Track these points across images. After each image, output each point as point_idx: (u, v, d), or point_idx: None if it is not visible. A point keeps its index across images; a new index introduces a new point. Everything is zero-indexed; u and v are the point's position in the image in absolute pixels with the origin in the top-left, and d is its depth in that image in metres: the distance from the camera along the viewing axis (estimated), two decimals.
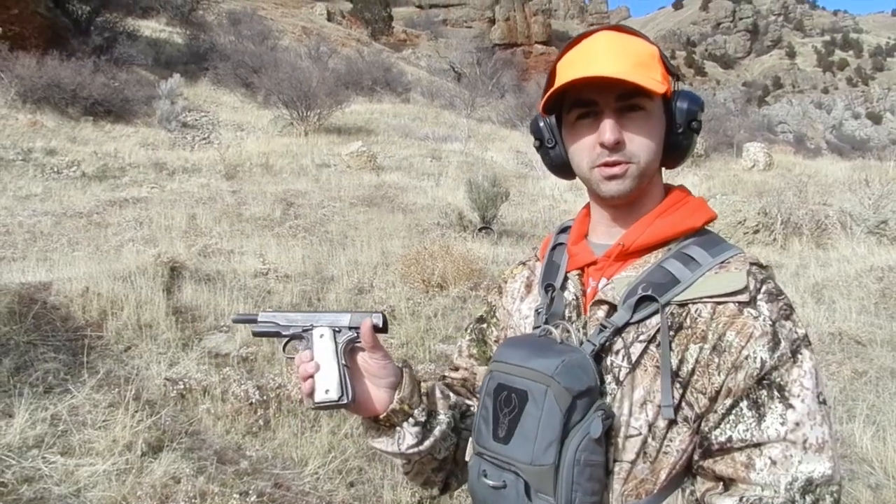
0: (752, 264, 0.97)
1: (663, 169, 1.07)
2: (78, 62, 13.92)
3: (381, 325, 1.03)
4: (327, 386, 0.99)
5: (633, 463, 0.93)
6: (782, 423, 0.87)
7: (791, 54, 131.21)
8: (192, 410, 3.46)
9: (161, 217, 7.88)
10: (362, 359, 1.05)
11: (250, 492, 2.74)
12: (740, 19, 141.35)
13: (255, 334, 1.11)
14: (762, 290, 0.94)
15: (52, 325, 4.08)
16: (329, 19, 36.67)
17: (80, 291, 4.42)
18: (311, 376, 1.01)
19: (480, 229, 8.52)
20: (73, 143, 11.87)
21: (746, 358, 0.89)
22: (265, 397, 3.50)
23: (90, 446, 3.01)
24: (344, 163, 12.72)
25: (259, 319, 1.10)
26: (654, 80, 0.97)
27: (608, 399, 0.94)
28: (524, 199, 11.51)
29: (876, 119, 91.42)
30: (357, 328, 1.03)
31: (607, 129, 0.97)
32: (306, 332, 1.05)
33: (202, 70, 18.99)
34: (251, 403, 3.45)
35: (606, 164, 0.99)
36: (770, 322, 0.90)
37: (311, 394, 1.00)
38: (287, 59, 20.65)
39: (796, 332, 0.91)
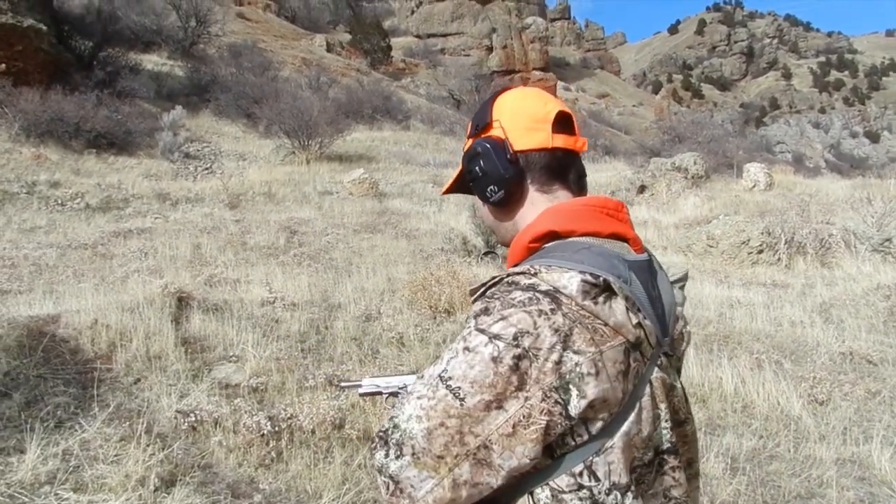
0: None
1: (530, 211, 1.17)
2: (81, 96, 14.05)
3: None
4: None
5: None
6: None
7: (787, 75, 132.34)
8: (203, 443, 3.43)
9: (165, 247, 7.90)
10: None
11: None
12: (735, 42, 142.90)
13: (362, 395, 1.48)
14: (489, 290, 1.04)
15: (62, 357, 4.06)
16: (329, 50, 37.07)
17: (89, 324, 4.41)
18: None
19: (485, 254, 8.52)
20: (76, 176, 11.93)
21: None
22: (277, 428, 3.46)
23: (103, 482, 2.98)
24: (346, 190, 12.78)
25: (363, 384, 1.46)
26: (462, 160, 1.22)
27: None
28: None
29: (874, 137, 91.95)
30: None
31: None
32: (403, 389, 1.38)
33: (204, 101, 19.15)
34: (263, 435, 3.42)
35: None
36: (467, 316, 1.02)
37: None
38: (288, 89, 20.82)
39: (469, 327, 0.97)
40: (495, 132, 1.15)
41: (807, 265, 8.60)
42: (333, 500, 3.02)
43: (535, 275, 0.98)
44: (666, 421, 1.03)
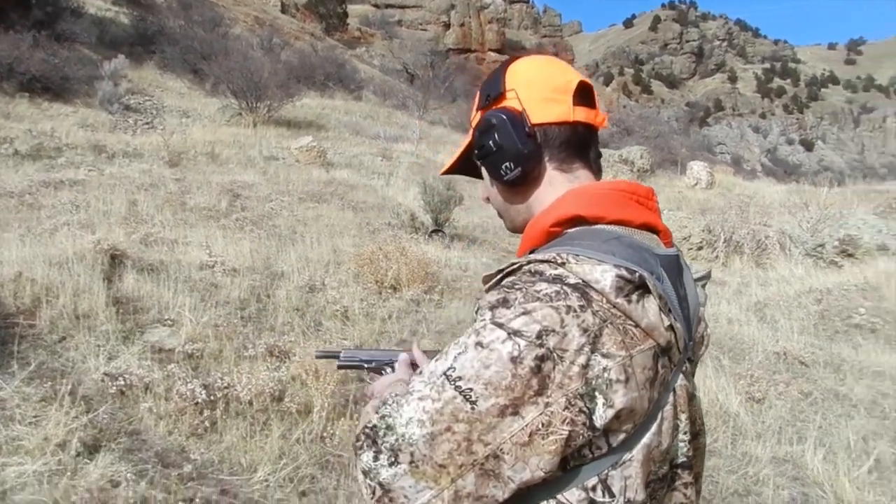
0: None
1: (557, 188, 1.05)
2: (16, 35, 13.22)
3: None
4: None
5: None
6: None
7: (733, 79, 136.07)
8: (132, 408, 3.26)
9: (99, 202, 7.51)
10: None
11: (196, 499, 2.58)
12: (687, 41, 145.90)
13: (339, 367, 1.36)
14: (506, 278, 0.94)
15: None
16: (283, 11, 36.01)
17: (12, 276, 4.13)
18: None
19: (432, 232, 8.45)
20: (6, 120, 11.24)
21: None
22: (212, 397, 3.32)
23: (18, 444, 2.79)
24: (293, 157, 12.46)
25: (341, 356, 1.34)
26: (469, 135, 1.11)
27: None
28: (475, 203, 11.49)
29: (808, 146, 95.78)
30: None
31: None
32: (388, 365, 1.26)
33: (149, 53, 18.32)
34: (197, 403, 3.27)
35: None
36: (478, 308, 0.91)
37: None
38: (238, 48, 20.13)
39: (484, 320, 0.87)
40: (510, 103, 1.03)
41: (743, 264, 8.86)
42: (269, 474, 2.91)
43: (562, 265, 0.87)
44: (684, 433, 0.95)
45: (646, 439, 0.88)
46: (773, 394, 4.33)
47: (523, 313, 0.83)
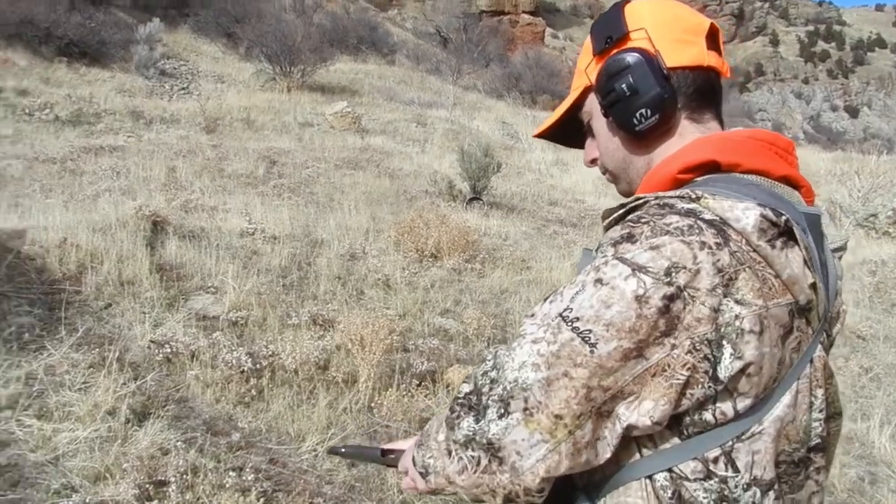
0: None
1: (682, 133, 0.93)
2: None
3: None
4: None
5: None
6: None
7: (775, 42, 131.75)
8: (178, 376, 3.25)
9: (139, 168, 7.54)
10: None
11: (245, 468, 2.56)
12: (727, 3, 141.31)
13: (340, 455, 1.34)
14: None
15: (27, 276, 3.81)
16: None
17: (57, 242, 4.14)
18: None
19: (471, 200, 8.33)
20: (46, 85, 11.33)
21: None
22: (258, 365, 3.30)
23: (69, 410, 2.79)
24: (328, 123, 12.38)
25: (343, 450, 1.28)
26: (576, 85, 0.99)
27: None
28: (511, 171, 11.33)
29: (853, 112, 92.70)
30: None
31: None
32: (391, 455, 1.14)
33: (183, 16, 18.28)
34: (243, 371, 3.25)
35: None
36: (597, 245, 0.84)
37: None
38: (271, 10, 19.96)
39: (606, 255, 0.78)
40: (639, 44, 0.90)
41: None
42: (317, 443, 2.88)
43: (697, 199, 0.78)
44: (820, 411, 0.85)
45: (778, 411, 0.79)
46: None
47: (651, 248, 0.74)
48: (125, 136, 9.54)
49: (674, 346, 0.73)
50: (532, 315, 0.81)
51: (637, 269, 0.74)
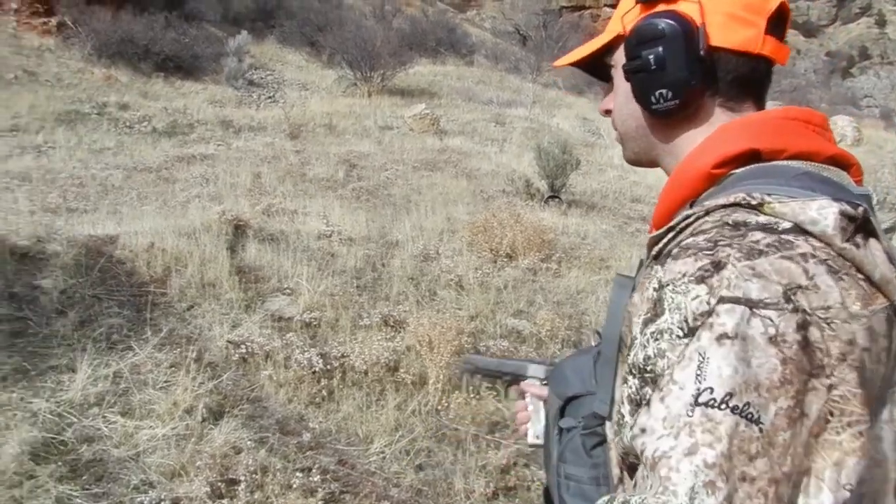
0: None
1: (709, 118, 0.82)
2: (150, 17, 14.01)
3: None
4: (537, 433, 1.08)
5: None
6: (632, 427, 0.64)
7: (881, 22, 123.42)
8: (253, 376, 3.34)
9: (226, 174, 7.85)
10: None
11: (313, 469, 2.60)
12: None
13: (466, 372, 1.35)
14: (679, 237, 0.71)
15: (118, 279, 4.02)
16: None
17: (146, 246, 4.35)
18: (526, 423, 1.09)
19: (548, 198, 8.20)
20: (144, 99, 11.98)
21: (634, 336, 0.69)
22: (329, 366, 3.35)
23: (150, 408, 2.92)
24: (407, 125, 12.52)
25: (479, 365, 1.27)
26: (611, 28, 0.87)
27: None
28: (592, 168, 11.09)
29: None
30: None
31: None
32: (517, 379, 1.17)
33: (269, 28, 18.94)
34: (314, 372, 3.31)
35: None
36: (657, 286, 0.67)
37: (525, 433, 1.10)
38: (352, 17, 20.43)
39: (704, 303, 0.62)
40: (687, 8, 0.77)
41: None
42: (385, 445, 2.89)
43: (759, 206, 0.66)
44: None
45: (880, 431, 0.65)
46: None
47: (753, 275, 0.61)
48: (215, 145, 9.96)
49: (832, 387, 0.60)
50: (644, 431, 0.62)
51: (753, 305, 0.60)
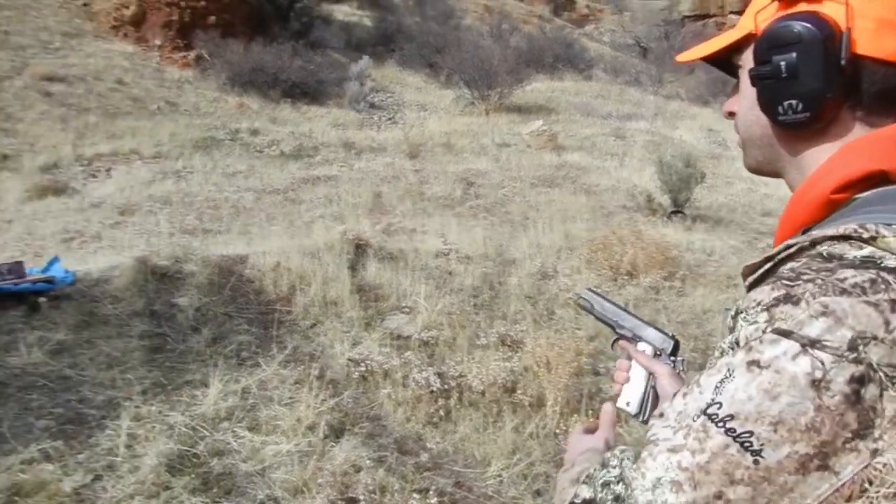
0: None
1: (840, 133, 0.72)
2: (278, 47, 14.87)
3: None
4: (629, 399, 1.04)
5: None
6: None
7: None
8: (373, 393, 3.38)
9: (349, 195, 8.12)
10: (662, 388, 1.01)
11: (430, 490, 2.57)
12: None
13: (595, 316, 1.18)
14: (780, 269, 0.64)
15: (247, 297, 4.23)
16: None
17: (273, 265, 4.55)
18: (622, 384, 1.04)
19: (672, 213, 7.85)
20: (273, 124, 12.69)
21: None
22: (446, 386, 3.33)
23: (276, 424, 3.02)
24: (524, 142, 12.46)
25: (596, 307, 1.16)
26: (742, 24, 0.78)
27: None
28: (718, 181, 10.55)
29: None
30: (676, 358, 1.05)
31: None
32: (631, 340, 1.09)
33: (389, 52, 19.57)
34: (432, 391, 3.30)
35: None
36: (734, 313, 0.65)
37: (616, 396, 1.06)
38: (469, 38, 20.71)
39: (759, 329, 0.59)
40: (830, 10, 0.69)
41: None
42: (503, 469, 2.83)
43: (871, 240, 0.59)
44: None
45: None
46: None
47: (824, 313, 0.56)
48: (338, 166, 10.37)
49: (875, 452, 0.54)
50: (662, 415, 0.63)
51: (808, 344, 0.55)
